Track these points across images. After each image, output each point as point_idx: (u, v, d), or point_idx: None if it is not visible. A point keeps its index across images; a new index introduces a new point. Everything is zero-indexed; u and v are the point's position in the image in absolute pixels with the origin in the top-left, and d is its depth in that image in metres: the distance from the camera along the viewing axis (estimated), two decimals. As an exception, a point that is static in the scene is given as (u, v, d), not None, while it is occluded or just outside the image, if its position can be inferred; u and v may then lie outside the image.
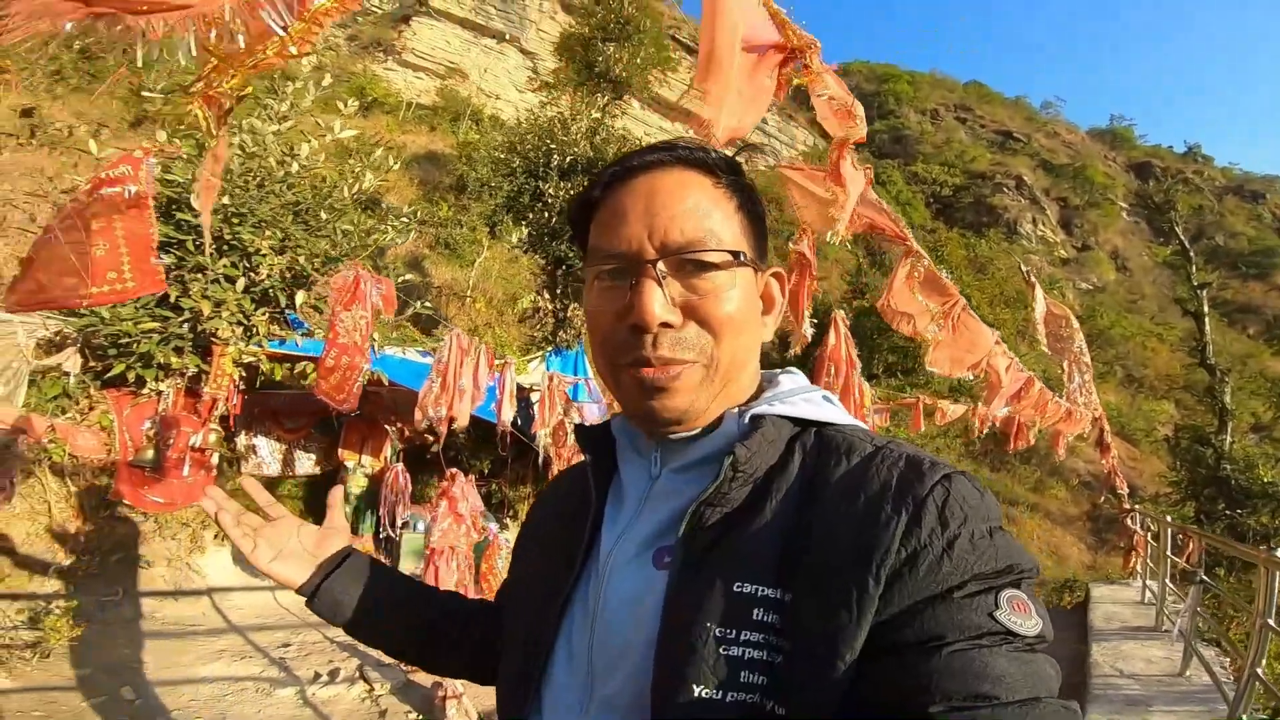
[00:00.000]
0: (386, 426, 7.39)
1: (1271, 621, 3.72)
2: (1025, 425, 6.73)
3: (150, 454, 5.12)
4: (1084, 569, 13.28)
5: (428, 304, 6.75)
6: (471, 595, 4.98)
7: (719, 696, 0.52)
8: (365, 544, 7.29)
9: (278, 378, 5.89)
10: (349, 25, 23.61)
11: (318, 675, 4.85)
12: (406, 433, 7.48)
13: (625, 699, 0.57)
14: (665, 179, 0.63)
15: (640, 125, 23.03)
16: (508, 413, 5.20)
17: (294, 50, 1.15)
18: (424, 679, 4.79)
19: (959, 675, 0.47)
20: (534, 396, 6.18)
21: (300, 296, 5.64)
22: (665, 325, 0.60)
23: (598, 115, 12.45)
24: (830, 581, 0.52)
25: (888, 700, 0.48)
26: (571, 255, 9.27)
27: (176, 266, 5.14)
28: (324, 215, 6.10)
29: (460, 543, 4.76)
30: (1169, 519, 7.08)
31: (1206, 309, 14.75)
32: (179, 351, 5.24)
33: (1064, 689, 0.50)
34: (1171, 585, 6.40)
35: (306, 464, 7.36)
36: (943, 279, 3.33)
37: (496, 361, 4.96)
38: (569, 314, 9.99)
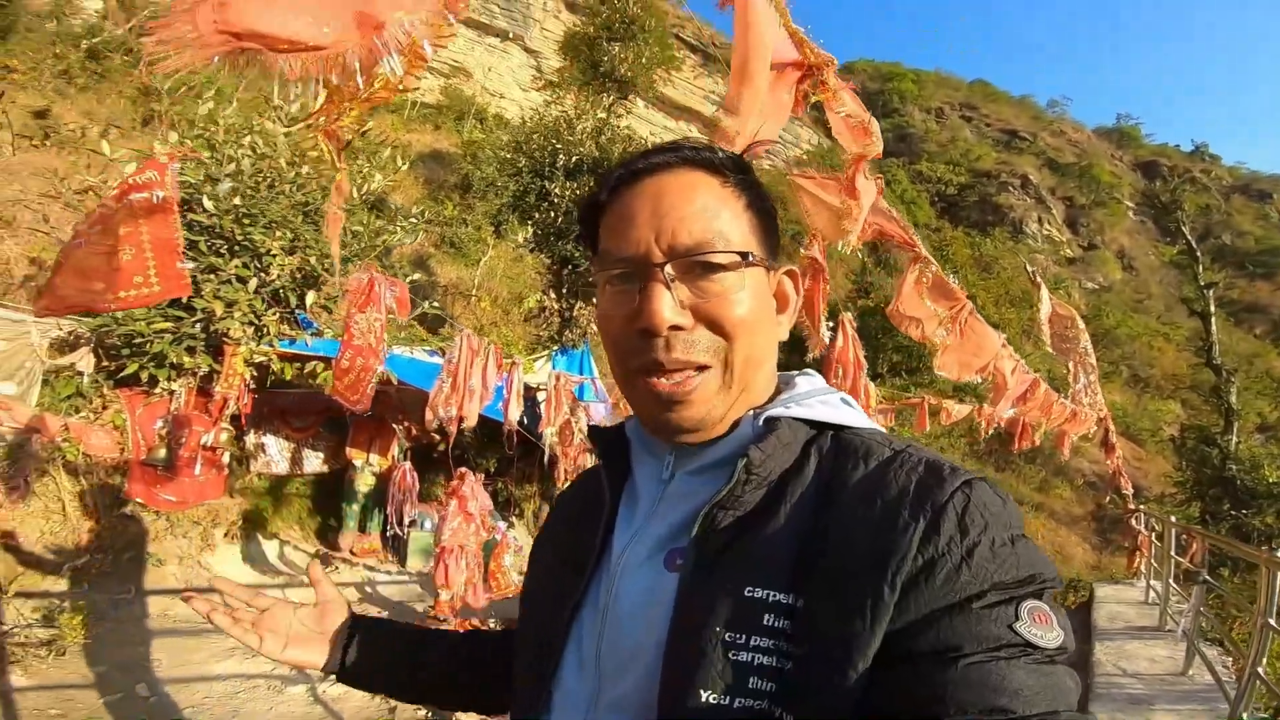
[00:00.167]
0: (394, 425, 7.43)
1: (1272, 621, 3.76)
2: (1030, 426, 6.74)
3: (162, 453, 5.19)
4: (1088, 569, 13.25)
5: (436, 303, 6.78)
6: (480, 592, 5.05)
7: (726, 702, 0.51)
8: (373, 542, 7.35)
9: (288, 377, 5.94)
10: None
11: (328, 672, 4.89)
12: (414, 431, 7.51)
13: (634, 701, 0.57)
14: (672, 180, 0.62)
15: (645, 124, 23.03)
16: (515, 412, 5.24)
17: (402, 86, 1.19)
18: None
19: (975, 687, 0.46)
20: (540, 396, 6.23)
21: (310, 296, 5.70)
22: (675, 328, 0.59)
23: (603, 115, 12.45)
24: (845, 587, 0.51)
25: (901, 710, 0.47)
26: (577, 255, 9.29)
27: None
28: (333, 216, 6.14)
29: (470, 541, 4.80)
30: (1173, 519, 7.08)
31: (1213, 308, 14.64)
32: (191, 351, 5.30)
33: (1067, 689, 0.49)
34: (1175, 585, 6.40)
35: (314, 462, 7.42)
36: (950, 284, 3.35)
37: (505, 361, 5.00)
38: (575, 313, 10.01)
